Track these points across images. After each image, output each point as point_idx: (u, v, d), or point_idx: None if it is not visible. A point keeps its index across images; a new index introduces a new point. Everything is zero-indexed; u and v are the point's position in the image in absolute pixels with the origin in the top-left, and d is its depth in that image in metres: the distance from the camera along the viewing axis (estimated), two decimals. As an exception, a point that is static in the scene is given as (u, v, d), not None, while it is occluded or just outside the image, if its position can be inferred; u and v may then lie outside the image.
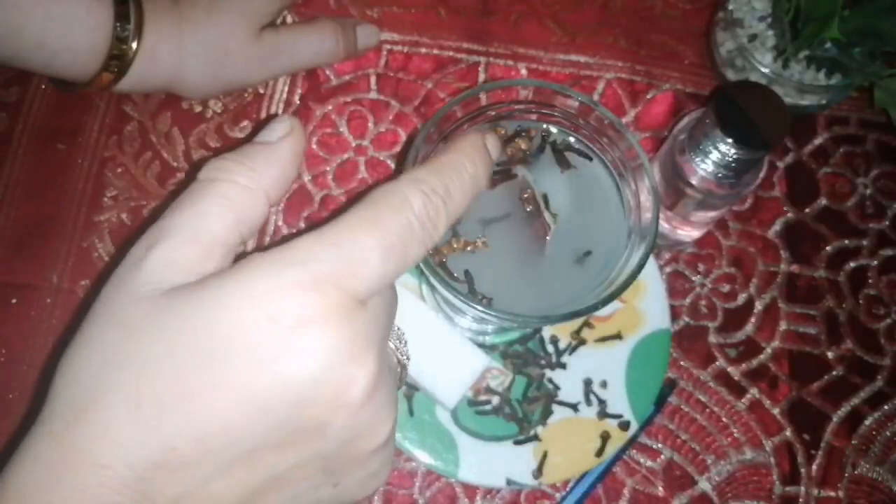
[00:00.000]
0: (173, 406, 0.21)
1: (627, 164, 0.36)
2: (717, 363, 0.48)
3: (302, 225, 0.50)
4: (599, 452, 0.44)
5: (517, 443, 0.44)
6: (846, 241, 0.51)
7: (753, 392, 0.47)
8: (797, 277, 0.50)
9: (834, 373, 0.48)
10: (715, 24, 0.52)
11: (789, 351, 0.48)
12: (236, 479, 0.23)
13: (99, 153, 0.50)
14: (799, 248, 0.50)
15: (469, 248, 0.35)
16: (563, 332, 0.46)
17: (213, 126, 0.51)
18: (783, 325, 0.49)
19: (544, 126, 0.38)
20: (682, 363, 0.48)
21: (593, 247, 0.35)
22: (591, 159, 0.37)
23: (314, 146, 0.51)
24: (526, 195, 0.36)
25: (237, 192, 0.25)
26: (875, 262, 0.50)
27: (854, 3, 0.44)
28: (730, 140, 0.39)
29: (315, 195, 0.50)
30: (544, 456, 0.44)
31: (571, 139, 0.38)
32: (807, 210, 0.51)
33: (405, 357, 0.32)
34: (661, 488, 0.45)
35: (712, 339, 0.48)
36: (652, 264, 0.47)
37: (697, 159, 0.42)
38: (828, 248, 0.51)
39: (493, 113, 0.37)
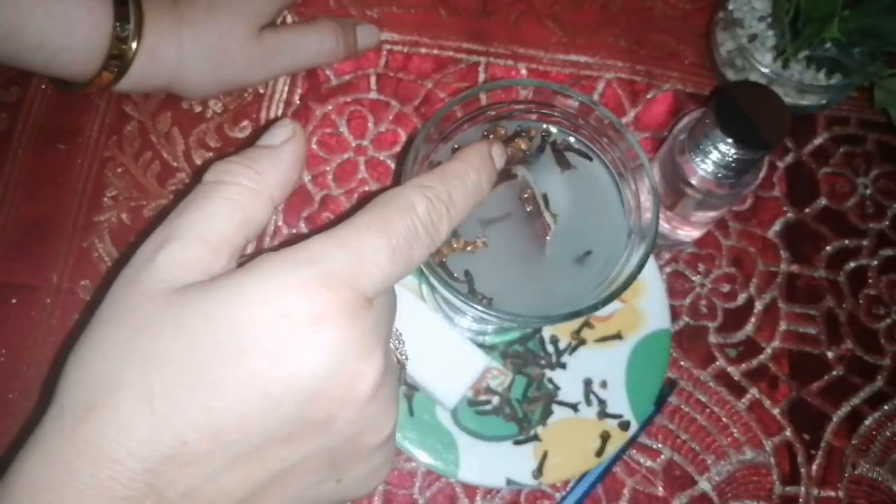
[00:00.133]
0: (187, 399, 0.22)
1: (627, 164, 0.36)
2: (717, 363, 0.48)
3: (302, 225, 0.50)
4: (599, 452, 0.44)
5: (517, 443, 0.44)
6: (846, 241, 0.51)
7: (753, 392, 0.47)
8: (797, 277, 0.50)
9: (834, 373, 0.48)
10: (715, 24, 0.52)
11: (789, 351, 0.48)
12: (245, 472, 0.23)
13: (99, 153, 0.50)
14: (799, 248, 0.50)
15: (469, 248, 0.35)
16: (563, 332, 0.47)
17: (213, 126, 0.51)
18: (783, 325, 0.49)
19: (544, 126, 0.38)
20: (682, 363, 0.48)
21: (593, 247, 0.35)
22: (591, 159, 0.37)
23: (314, 146, 0.51)
24: (526, 195, 0.36)
25: (244, 194, 0.25)
26: (875, 262, 0.50)
27: (854, 3, 0.44)
28: (730, 140, 0.39)
29: (315, 195, 0.50)
30: (544, 456, 0.44)
31: (571, 139, 0.38)
32: (807, 210, 0.51)
33: (404, 357, 0.32)
34: (661, 488, 0.45)
35: (712, 339, 0.48)
36: (652, 264, 0.47)
37: (697, 159, 0.42)
38: (828, 248, 0.50)
39: (493, 113, 0.37)
